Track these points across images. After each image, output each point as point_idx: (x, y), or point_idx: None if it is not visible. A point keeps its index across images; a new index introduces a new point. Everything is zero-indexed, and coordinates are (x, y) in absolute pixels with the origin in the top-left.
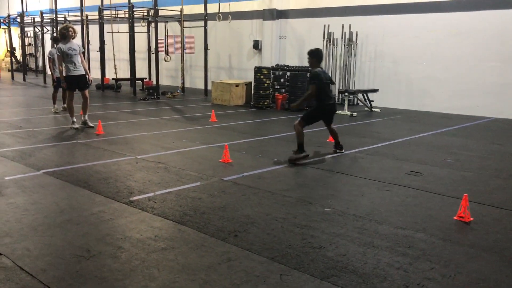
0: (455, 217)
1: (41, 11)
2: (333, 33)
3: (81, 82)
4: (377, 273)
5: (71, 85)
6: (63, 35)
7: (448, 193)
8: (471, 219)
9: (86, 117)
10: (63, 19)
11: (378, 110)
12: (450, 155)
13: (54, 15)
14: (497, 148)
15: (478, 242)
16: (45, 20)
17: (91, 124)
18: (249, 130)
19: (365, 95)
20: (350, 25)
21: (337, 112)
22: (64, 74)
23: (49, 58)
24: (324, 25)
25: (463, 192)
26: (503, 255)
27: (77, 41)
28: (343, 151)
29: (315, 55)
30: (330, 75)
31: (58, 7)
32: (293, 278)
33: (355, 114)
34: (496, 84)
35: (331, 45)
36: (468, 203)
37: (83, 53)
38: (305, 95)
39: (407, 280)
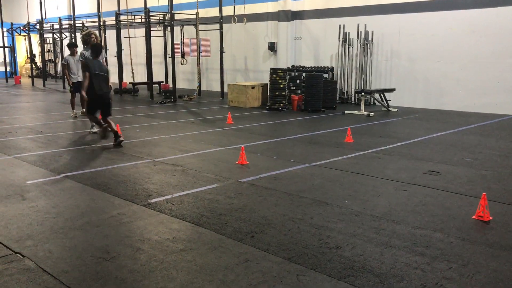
0: (473, 216)
1: (59, 18)
2: (349, 33)
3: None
4: (394, 273)
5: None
6: (85, 41)
7: (466, 192)
8: (490, 218)
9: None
10: (81, 25)
11: (395, 109)
12: (469, 153)
13: (72, 22)
14: None
15: (498, 241)
16: (63, 27)
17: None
18: (265, 131)
19: (381, 94)
20: (365, 25)
21: (354, 112)
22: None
23: (63, 64)
24: (340, 25)
25: (482, 191)
26: None
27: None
28: (121, 139)
29: (92, 49)
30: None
31: (76, 13)
32: (310, 278)
33: (372, 114)
34: None
35: (347, 45)
36: (487, 202)
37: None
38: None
39: (425, 280)
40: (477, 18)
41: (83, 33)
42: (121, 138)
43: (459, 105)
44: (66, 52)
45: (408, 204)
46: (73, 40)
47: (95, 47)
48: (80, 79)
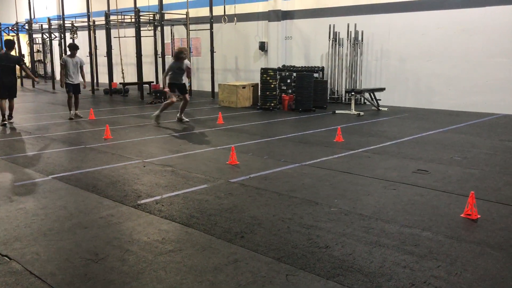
0: (462, 215)
1: (48, 17)
2: (339, 32)
3: None
4: (383, 272)
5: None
6: (177, 57)
7: (455, 190)
8: (478, 216)
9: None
10: (70, 25)
11: (385, 109)
12: (458, 152)
13: (61, 22)
14: (505, 145)
15: (485, 239)
16: (53, 27)
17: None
18: (256, 131)
19: (372, 94)
20: (355, 24)
21: (344, 111)
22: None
23: (61, 64)
24: (330, 25)
25: (470, 189)
26: (510, 252)
27: (82, 48)
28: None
29: (5, 44)
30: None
31: (66, 13)
32: (299, 278)
33: (362, 113)
34: (505, 80)
35: (337, 45)
36: (475, 200)
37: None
38: None
39: (413, 278)
40: (466, 18)
41: (178, 50)
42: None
43: (449, 104)
44: (56, 52)
45: (397, 203)
46: (73, 41)
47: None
48: (77, 81)
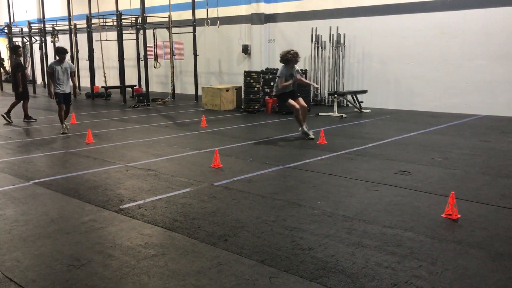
0: (443, 215)
1: (28, 21)
2: (321, 35)
3: None
4: (365, 273)
5: None
6: (285, 60)
7: (436, 191)
8: (459, 216)
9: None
10: (51, 28)
11: (368, 111)
12: (439, 153)
13: (42, 25)
14: (485, 145)
15: (465, 239)
16: (33, 30)
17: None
18: (239, 134)
19: (354, 96)
20: (337, 27)
21: (327, 114)
22: None
23: (48, 72)
24: (312, 28)
25: (451, 189)
26: (489, 251)
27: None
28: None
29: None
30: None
31: (46, 16)
32: (282, 280)
33: (344, 115)
34: (484, 81)
35: (320, 48)
36: (456, 200)
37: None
38: None
39: (395, 278)
40: (446, 21)
41: (285, 52)
42: None
43: (429, 106)
44: (37, 56)
45: (380, 204)
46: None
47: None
48: (68, 90)
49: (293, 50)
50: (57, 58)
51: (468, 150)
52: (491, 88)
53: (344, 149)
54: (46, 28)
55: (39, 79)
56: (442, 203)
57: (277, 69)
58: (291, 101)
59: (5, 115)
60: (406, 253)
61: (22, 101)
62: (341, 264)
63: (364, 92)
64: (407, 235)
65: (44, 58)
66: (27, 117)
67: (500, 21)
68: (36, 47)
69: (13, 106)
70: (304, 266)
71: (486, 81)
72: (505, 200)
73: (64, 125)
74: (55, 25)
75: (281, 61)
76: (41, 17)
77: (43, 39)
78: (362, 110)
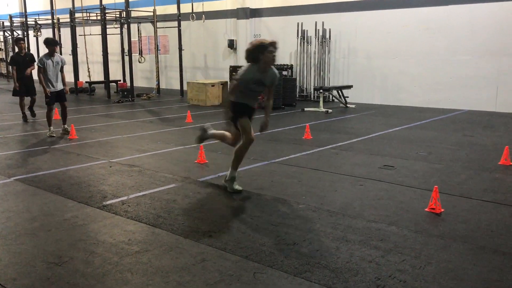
0: (426, 209)
1: (10, 15)
2: (307, 30)
3: None
4: (349, 267)
5: None
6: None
7: (420, 185)
8: (442, 210)
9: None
10: (33, 22)
11: (353, 106)
12: (423, 148)
13: (24, 19)
14: (469, 140)
15: (448, 233)
16: (15, 24)
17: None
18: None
19: (340, 91)
20: (323, 23)
21: (313, 109)
22: None
23: (39, 67)
24: (298, 23)
25: (435, 184)
26: (471, 244)
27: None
28: None
29: None
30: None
31: (28, 10)
32: (266, 276)
33: (330, 110)
34: (468, 77)
35: (305, 43)
36: (439, 194)
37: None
38: None
39: (379, 272)
40: (430, 16)
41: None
42: None
43: (414, 101)
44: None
45: (364, 199)
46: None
47: None
48: (60, 86)
49: (271, 41)
50: (46, 51)
51: (451, 145)
52: (475, 83)
53: (329, 144)
54: (29, 22)
55: None
56: (425, 197)
57: None
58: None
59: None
60: (390, 248)
61: (25, 98)
62: (325, 259)
63: (349, 87)
64: (391, 229)
65: (23, 50)
66: (25, 115)
67: (484, 17)
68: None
69: (21, 107)
70: (289, 261)
71: (470, 76)
72: (487, 194)
73: (51, 127)
74: (37, 19)
75: (247, 57)
76: (23, 11)
77: (25, 33)
78: (348, 105)
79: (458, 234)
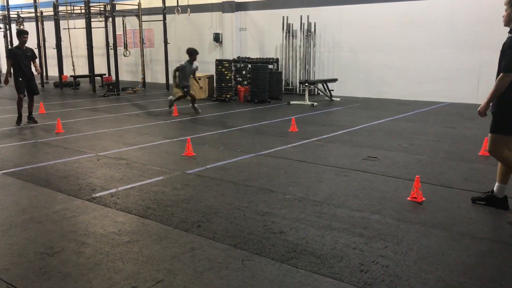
0: (408, 198)
1: None
2: (292, 24)
3: None
4: (334, 254)
5: None
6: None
7: (402, 175)
8: (424, 199)
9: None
10: (16, 16)
11: (338, 99)
12: (406, 139)
13: (6, 12)
14: (450, 131)
15: (429, 220)
16: None
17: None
18: (212, 123)
19: (324, 85)
20: (308, 16)
21: (299, 102)
22: None
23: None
24: (283, 17)
25: (417, 174)
26: (451, 231)
27: (30, 40)
28: None
29: None
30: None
31: (10, 3)
32: (254, 263)
33: (316, 104)
34: (449, 70)
35: (291, 37)
36: (421, 184)
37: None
38: None
39: (363, 259)
40: (413, 10)
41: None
42: None
43: (398, 94)
44: (1, 43)
45: (348, 189)
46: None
47: None
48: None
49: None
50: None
51: (433, 136)
52: (457, 76)
53: (314, 136)
54: (11, 16)
55: (3, 68)
56: (408, 187)
57: (248, 58)
58: None
59: (29, 120)
60: (373, 235)
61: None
62: (311, 246)
63: (334, 80)
64: (374, 217)
65: (10, 46)
66: (19, 118)
67: (465, 11)
68: (0, 35)
69: (19, 107)
70: (276, 248)
71: (451, 69)
72: (467, 184)
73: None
74: (20, 12)
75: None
76: (5, 4)
77: (7, 26)
78: (333, 98)
79: (438, 222)
